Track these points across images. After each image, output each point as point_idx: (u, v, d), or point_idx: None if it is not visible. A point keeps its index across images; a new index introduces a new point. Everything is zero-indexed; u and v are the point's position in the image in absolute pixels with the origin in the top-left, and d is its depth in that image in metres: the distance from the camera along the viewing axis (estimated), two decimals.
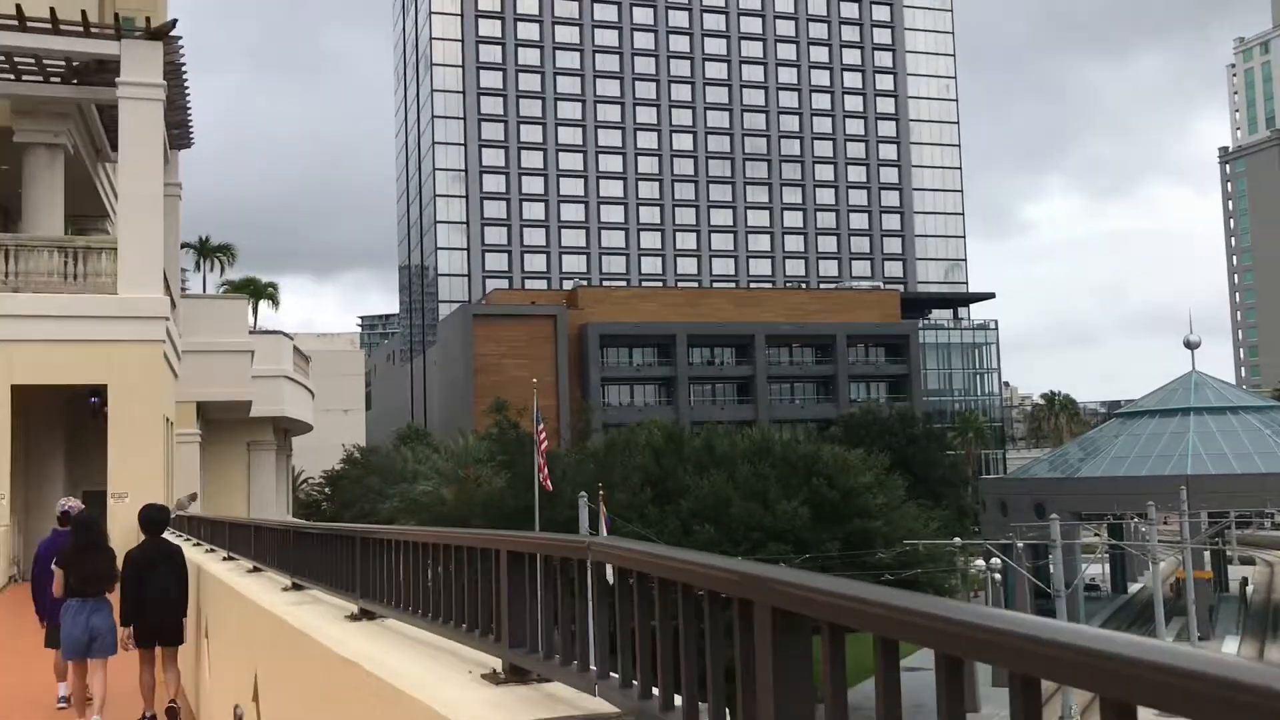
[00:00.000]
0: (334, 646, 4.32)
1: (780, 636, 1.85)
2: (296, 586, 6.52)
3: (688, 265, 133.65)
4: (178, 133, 34.68)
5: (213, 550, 11.39)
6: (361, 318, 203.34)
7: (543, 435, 49.77)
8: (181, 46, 29.09)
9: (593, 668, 2.71)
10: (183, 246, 48.34)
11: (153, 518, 10.41)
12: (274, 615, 5.69)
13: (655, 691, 2.40)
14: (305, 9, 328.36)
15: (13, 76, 29.67)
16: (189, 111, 34.60)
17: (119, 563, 10.23)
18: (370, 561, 4.80)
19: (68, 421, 31.95)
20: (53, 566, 10.18)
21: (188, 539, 15.10)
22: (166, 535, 11.00)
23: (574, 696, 2.90)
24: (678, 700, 2.31)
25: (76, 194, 34.45)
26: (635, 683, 2.48)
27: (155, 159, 28.51)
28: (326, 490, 72.37)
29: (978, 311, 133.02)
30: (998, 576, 47.58)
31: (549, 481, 47.56)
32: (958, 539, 48.21)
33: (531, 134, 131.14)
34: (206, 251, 67.06)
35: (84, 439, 31.43)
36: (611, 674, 2.64)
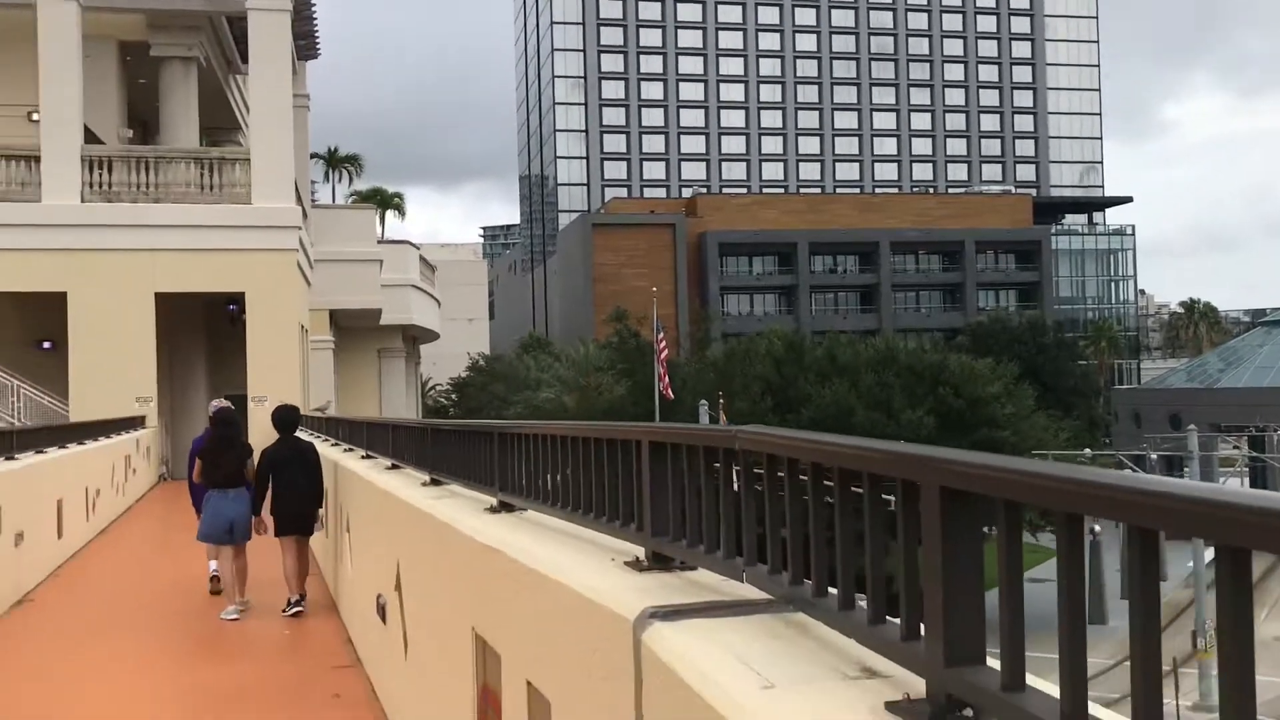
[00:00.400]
0: (476, 535, 4.42)
1: (949, 519, 1.78)
2: (435, 482, 6.68)
3: (810, 171, 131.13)
4: (304, 43, 35.20)
5: (351, 449, 11.77)
6: (484, 228, 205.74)
7: (663, 344, 49.97)
8: None
9: (740, 555, 2.69)
10: (311, 157, 49.37)
11: (285, 418, 11.04)
12: (415, 508, 5.85)
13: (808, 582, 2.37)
14: None
15: None
16: (315, 22, 35.03)
17: (255, 459, 10.97)
18: (509, 456, 4.86)
19: (208, 328, 33.23)
20: (196, 458, 11.03)
21: (326, 439, 15.68)
22: (299, 434, 11.61)
23: (719, 583, 2.89)
24: (832, 590, 2.28)
25: (210, 106, 35.38)
26: (786, 570, 2.45)
27: (284, 70, 29.00)
28: (453, 396, 74.22)
29: (1114, 216, 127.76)
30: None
31: (669, 390, 47.88)
32: (1088, 450, 47.02)
33: (650, 38, 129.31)
34: (335, 162, 68.26)
35: (223, 345, 32.67)
36: (759, 564, 2.62)
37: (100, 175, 27.87)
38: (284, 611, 10.33)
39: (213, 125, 37.49)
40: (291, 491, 10.52)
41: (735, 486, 2.79)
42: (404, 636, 6.23)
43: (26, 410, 27.76)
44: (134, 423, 25.06)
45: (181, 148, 30.43)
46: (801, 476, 2.40)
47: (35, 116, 28.49)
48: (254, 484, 10.74)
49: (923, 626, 1.91)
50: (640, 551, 3.31)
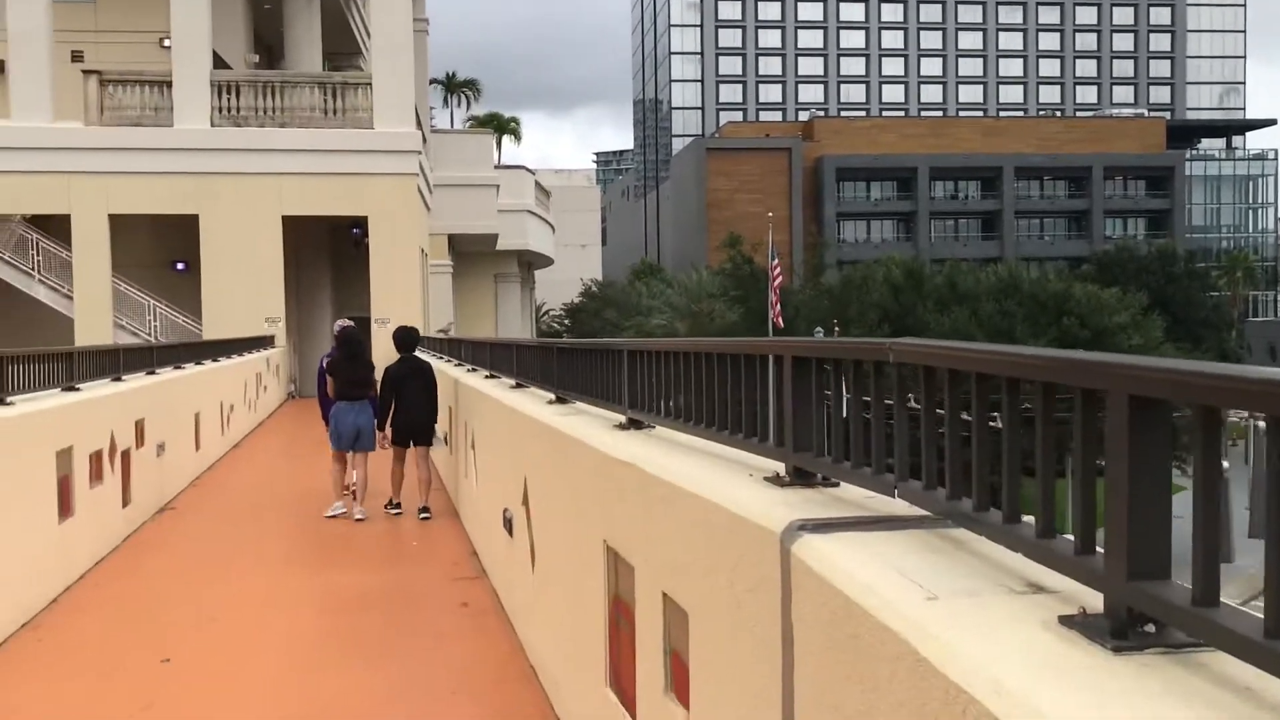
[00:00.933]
0: (608, 450, 4.43)
1: (1138, 428, 1.69)
2: (560, 400, 6.72)
3: (932, 93, 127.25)
4: None
5: (474, 369, 11.96)
6: (596, 154, 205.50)
7: (777, 271, 49.48)
8: None
9: (891, 472, 2.63)
10: (430, 82, 49.73)
11: (405, 338, 11.79)
12: (544, 424, 5.90)
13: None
14: None
15: None
16: None
17: (377, 375, 11.70)
18: (638, 374, 4.86)
19: (332, 251, 33.99)
20: (325, 374, 11.78)
21: (448, 359, 16.03)
22: (418, 353, 12.29)
23: (864, 499, 2.84)
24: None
25: (332, 31, 35.82)
26: (943, 486, 2.39)
27: None
28: (566, 322, 74.93)
29: (1255, 140, 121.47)
30: (1260, 424, 44.56)
31: (780, 317, 47.51)
32: None
33: None
34: (453, 87, 68.62)
35: (347, 268, 33.44)
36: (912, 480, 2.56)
37: (228, 100, 28.54)
38: (417, 515, 11.16)
39: (334, 50, 38.00)
40: (414, 406, 11.29)
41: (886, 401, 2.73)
42: (531, 549, 6.34)
43: (163, 329, 28.94)
44: (264, 342, 25.90)
45: (306, 72, 30.93)
46: (964, 390, 2.32)
47: (166, 43, 29.23)
48: (378, 399, 11.40)
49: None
50: (780, 467, 3.27)
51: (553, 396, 6.93)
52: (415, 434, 11.34)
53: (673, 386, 4.43)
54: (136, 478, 10.67)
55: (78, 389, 9.44)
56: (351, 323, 12.66)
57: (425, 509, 11.17)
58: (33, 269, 28.88)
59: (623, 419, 5.09)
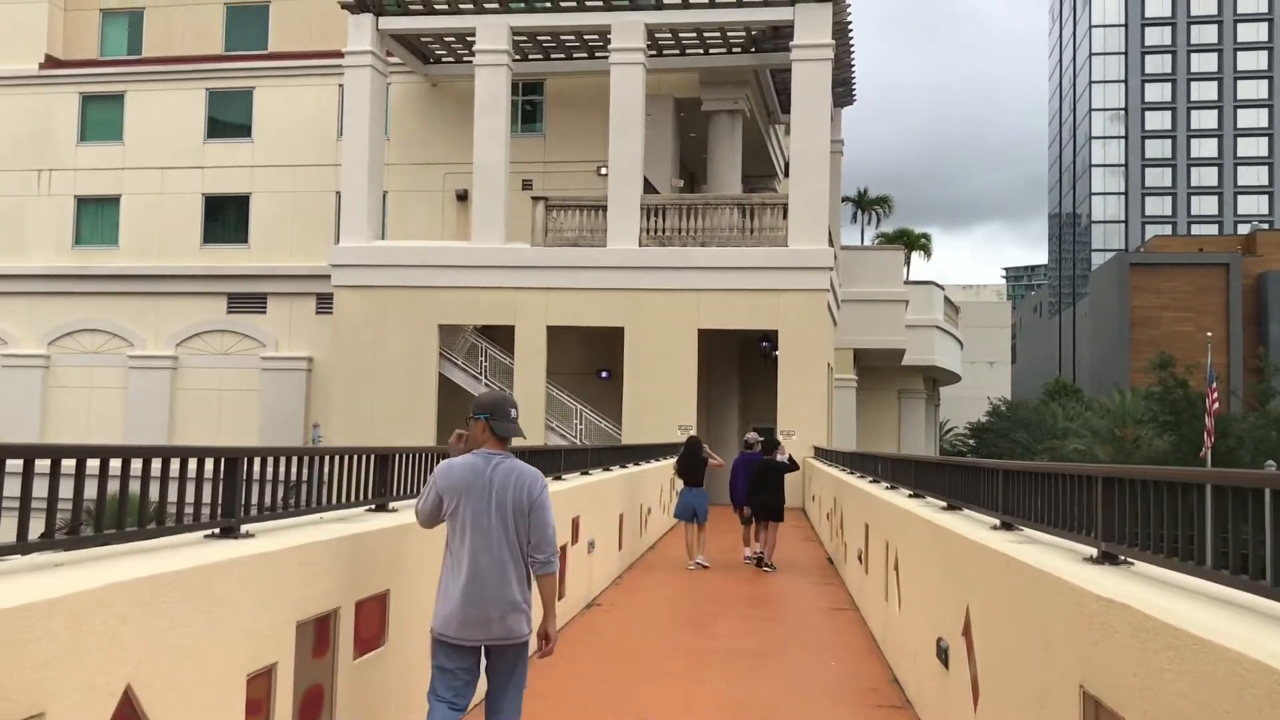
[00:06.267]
0: (1087, 586, 4.08)
1: None
2: (1005, 526, 6.36)
3: None
4: (841, 90, 36.20)
5: (893, 486, 11.70)
6: (1006, 269, 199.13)
7: (1214, 396, 45.08)
8: (849, 6, 30.17)
9: None
10: (843, 200, 50.58)
11: (767, 443, 17.31)
12: (995, 552, 5.58)
13: None
14: None
15: (701, 50, 32.90)
16: (853, 69, 35.91)
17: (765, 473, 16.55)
18: (1114, 502, 4.48)
19: (740, 363, 35.03)
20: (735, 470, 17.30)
21: (853, 471, 15.97)
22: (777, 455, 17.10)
23: None
24: None
25: (750, 155, 37.50)
26: None
27: (823, 117, 29.97)
28: (970, 442, 72.15)
29: None
30: None
31: (1210, 448, 43.04)
32: None
33: (1204, 63, 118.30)
34: (864, 205, 69.39)
35: (753, 379, 34.28)
36: None
37: (655, 221, 30.50)
38: (761, 566, 16.06)
39: (751, 173, 39.71)
40: (768, 493, 16.19)
41: None
42: (974, 685, 5.96)
43: (587, 431, 30.94)
44: (677, 448, 26.92)
45: (726, 195, 32.50)
46: None
47: (603, 171, 31.84)
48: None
49: None
50: None
51: (996, 522, 6.57)
52: (769, 513, 16.12)
53: (1155, 518, 4.04)
54: (570, 573, 11.29)
55: None
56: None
57: (770, 564, 16.14)
58: (480, 373, 32.02)
59: (1093, 552, 4.70)
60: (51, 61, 40.25)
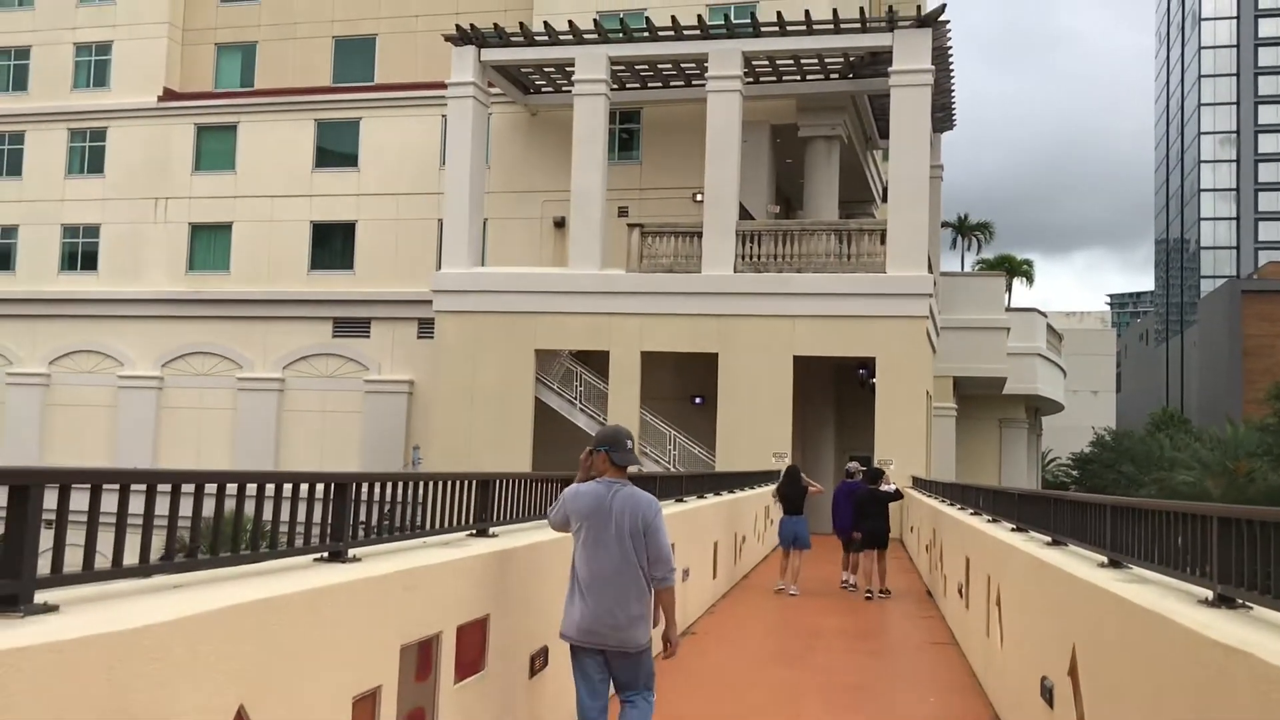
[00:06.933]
0: (1201, 630, 3.96)
1: None
2: (1113, 564, 6.20)
3: None
4: (940, 115, 35.79)
5: (995, 520, 11.46)
6: (1110, 295, 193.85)
7: None
8: (949, 31, 29.86)
9: None
10: (942, 225, 49.89)
11: (872, 473, 17.32)
12: (1103, 590, 5.44)
13: None
14: None
15: (798, 76, 32.84)
16: (953, 94, 35.49)
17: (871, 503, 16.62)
18: (1231, 544, 4.34)
19: (837, 390, 34.68)
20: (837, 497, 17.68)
21: (943, 499, 15.91)
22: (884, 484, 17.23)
23: None
24: None
25: (847, 180, 37.24)
26: None
27: (922, 143, 29.67)
28: (1074, 473, 70.30)
29: None
30: None
31: None
32: None
33: None
34: (964, 230, 68.33)
35: (850, 407, 33.90)
36: None
37: (750, 247, 30.46)
38: (878, 594, 16.06)
39: (849, 199, 39.41)
40: (871, 521, 16.31)
41: None
42: None
43: (680, 457, 30.91)
44: (772, 476, 26.76)
45: (822, 220, 32.31)
46: None
47: (699, 197, 31.93)
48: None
49: None
50: None
51: (1104, 559, 6.41)
52: (874, 541, 16.30)
53: (1276, 560, 3.91)
54: None
55: None
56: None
57: (885, 591, 16.30)
58: (575, 398, 32.24)
59: (1209, 594, 4.56)
60: (169, 94, 41.91)
